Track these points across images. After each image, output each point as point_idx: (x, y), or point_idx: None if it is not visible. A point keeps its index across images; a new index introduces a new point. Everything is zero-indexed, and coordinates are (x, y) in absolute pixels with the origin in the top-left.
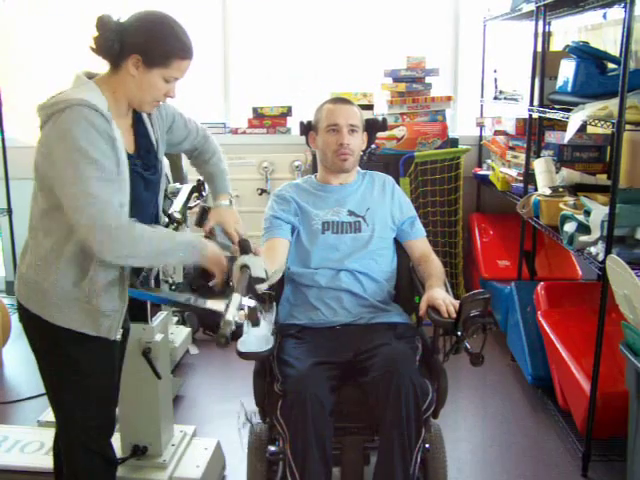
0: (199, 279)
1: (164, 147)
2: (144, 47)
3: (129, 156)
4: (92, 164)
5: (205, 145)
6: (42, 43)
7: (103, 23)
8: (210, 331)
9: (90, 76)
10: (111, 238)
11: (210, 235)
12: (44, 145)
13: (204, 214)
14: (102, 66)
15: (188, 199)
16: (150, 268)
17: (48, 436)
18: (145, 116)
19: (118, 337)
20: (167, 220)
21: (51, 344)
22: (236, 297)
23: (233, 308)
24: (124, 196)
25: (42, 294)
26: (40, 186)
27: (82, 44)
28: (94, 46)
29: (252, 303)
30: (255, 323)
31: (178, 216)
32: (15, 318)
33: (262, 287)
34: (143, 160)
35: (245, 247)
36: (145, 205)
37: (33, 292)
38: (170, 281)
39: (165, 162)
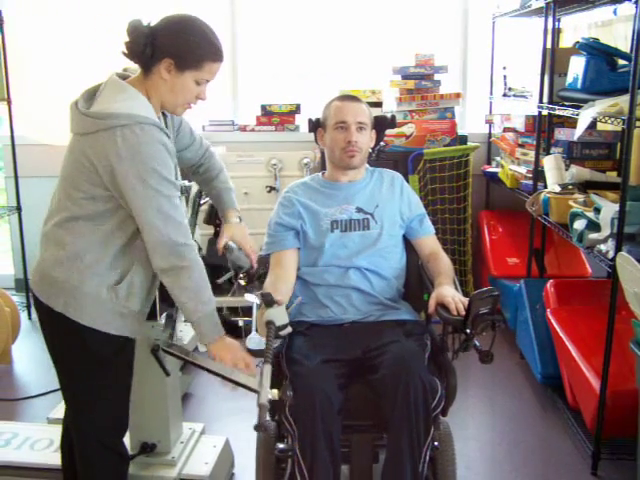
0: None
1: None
2: (177, 51)
3: None
4: (168, 183)
5: (211, 161)
6: (51, 41)
7: (134, 28)
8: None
9: (122, 77)
10: (178, 253)
11: (225, 251)
12: (104, 158)
13: (213, 212)
14: (107, 64)
15: (199, 197)
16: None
17: (58, 433)
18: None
19: (141, 336)
20: None
21: (74, 342)
22: (267, 370)
23: (266, 386)
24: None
25: (71, 294)
26: (84, 190)
27: (90, 42)
28: (126, 51)
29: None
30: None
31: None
32: (24, 316)
33: (287, 331)
34: None
35: (269, 301)
36: None
37: (59, 291)
38: None
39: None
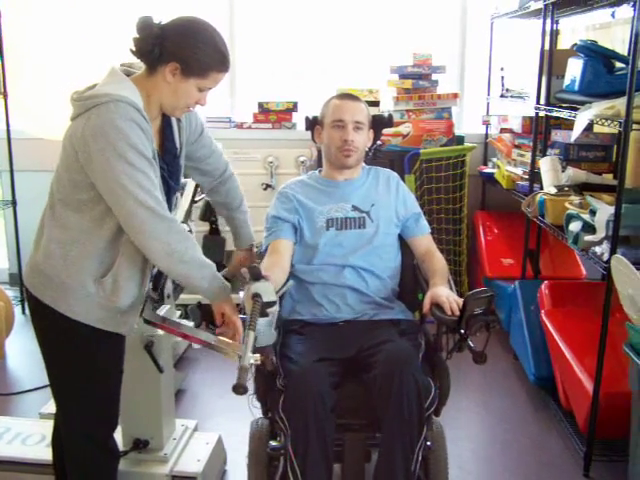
0: None
1: (184, 156)
2: (185, 57)
3: (159, 157)
4: (142, 158)
5: (232, 184)
6: (48, 34)
7: (145, 26)
8: (213, 325)
9: (127, 73)
10: (169, 229)
11: (240, 277)
12: (81, 138)
13: (208, 208)
14: (104, 58)
15: (194, 194)
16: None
17: (50, 428)
18: (174, 121)
19: (132, 332)
20: None
21: (64, 337)
22: (250, 336)
23: (249, 352)
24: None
25: (61, 288)
26: (69, 178)
27: (87, 36)
28: (134, 48)
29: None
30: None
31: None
32: (18, 310)
33: (274, 310)
34: (168, 165)
35: (256, 274)
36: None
37: (50, 285)
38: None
39: None
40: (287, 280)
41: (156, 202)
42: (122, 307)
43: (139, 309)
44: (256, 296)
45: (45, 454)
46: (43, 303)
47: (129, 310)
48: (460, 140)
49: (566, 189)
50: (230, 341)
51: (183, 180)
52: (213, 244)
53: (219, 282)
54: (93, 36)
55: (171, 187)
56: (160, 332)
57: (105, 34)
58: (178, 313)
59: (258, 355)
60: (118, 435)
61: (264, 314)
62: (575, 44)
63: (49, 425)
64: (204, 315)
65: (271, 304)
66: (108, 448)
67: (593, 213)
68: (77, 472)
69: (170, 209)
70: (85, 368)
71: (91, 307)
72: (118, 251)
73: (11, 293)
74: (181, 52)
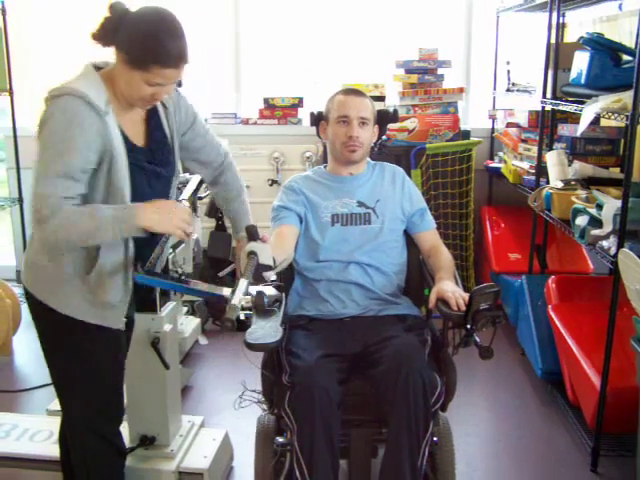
0: (209, 269)
1: (178, 143)
2: (127, 47)
3: (134, 149)
4: (59, 158)
5: (231, 173)
6: (54, 31)
7: (112, 10)
8: (219, 321)
9: (102, 66)
10: (46, 226)
11: (250, 257)
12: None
13: (214, 205)
14: (109, 55)
15: (197, 189)
16: (155, 257)
17: (57, 425)
18: (160, 109)
19: (121, 327)
20: None
21: (57, 331)
22: (242, 282)
23: (239, 293)
24: (95, 190)
25: (50, 282)
26: None
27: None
28: (95, 31)
29: (259, 289)
30: (260, 308)
31: (186, 204)
32: (25, 307)
33: (269, 274)
34: (154, 154)
35: (253, 234)
36: (148, 198)
37: (41, 279)
38: (180, 271)
39: None
40: (292, 287)
41: (51, 207)
42: (109, 301)
43: (127, 303)
44: (251, 254)
45: (53, 451)
46: (37, 299)
47: (117, 304)
48: (466, 135)
49: (573, 183)
50: (221, 287)
51: (187, 176)
52: (219, 240)
53: (115, 217)
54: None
55: (161, 174)
56: (166, 329)
57: None
58: (185, 309)
59: (249, 297)
60: (125, 431)
61: (259, 277)
62: (582, 37)
63: (56, 422)
64: (211, 311)
65: (266, 267)
66: (113, 444)
67: (600, 207)
68: (82, 468)
69: (167, 195)
70: (81, 363)
71: (79, 301)
72: (100, 246)
73: (18, 290)
74: (126, 42)
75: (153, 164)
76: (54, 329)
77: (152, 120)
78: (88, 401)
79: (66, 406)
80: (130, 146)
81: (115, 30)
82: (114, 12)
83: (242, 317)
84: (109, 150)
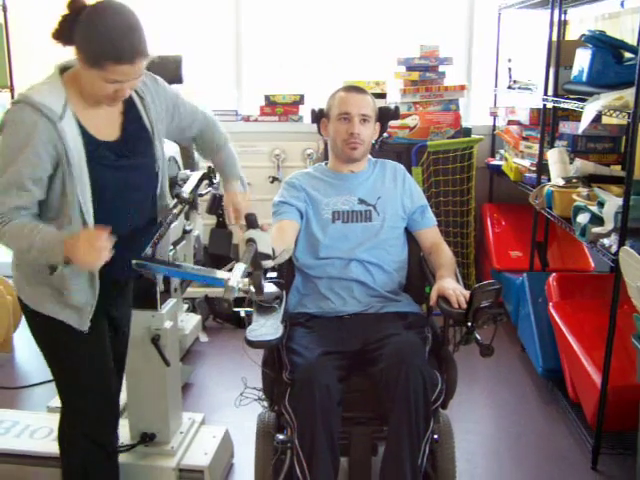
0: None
1: (164, 131)
2: (82, 45)
3: (99, 147)
4: (8, 168)
5: (214, 130)
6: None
7: (68, 7)
8: (220, 319)
9: (75, 65)
10: None
11: (248, 244)
12: None
13: (215, 201)
14: None
15: (198, 185)
16: (155, 244)
17: (57, 422)
18: (137, 101)
19: (85, 329)
20: (176, 201)
21: (39, 329)
22: (240, 266)
23: (236, 275)
24: (52, 195)
25: (27, 281)
26: None
27: None
28: (53, 30)
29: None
30: (259, 289)
31: (186, 196)
32: None
33: (268, 264)
34: (127, 146)
35: (251, 222)
36: (128, 193)
37: (21, 278)
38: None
39: (175, 149)
40: (293, 285)
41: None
42: (74, 303)
43: (94, 306)
44: (250, 241)
45: (53, 448)
46: (20, 297)
47: (82, 306)
48: (467, 132)
49: (574, 181)
50: (217, 271)
51: (188, 172)
52: (220, 237)
53: (42, 248)
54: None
55: (139, 166)
56: (167, 326)
57: None
58: (185, 307)
59: (246, 280)
60: (125, 428)
61: (258, 265)
62: (583, 34)
63: (56, 418)
64: (211, 308)
65: (265, 256)
66: (100, 447)
67: (601, 205)
68: (66, 469)
69: (151, 185)
70: (62, 360)
71: (50, 301)
72: None
73: None
74: (80, 41)
75: (126, 157)
76: (37, 327)
77: (129, 113)
78: (70, 400)
79: (61, 403)
80: (95, 145)
81: (72, 28)
82: (71, 10)
83: (242, 314)
84: (64, 156)
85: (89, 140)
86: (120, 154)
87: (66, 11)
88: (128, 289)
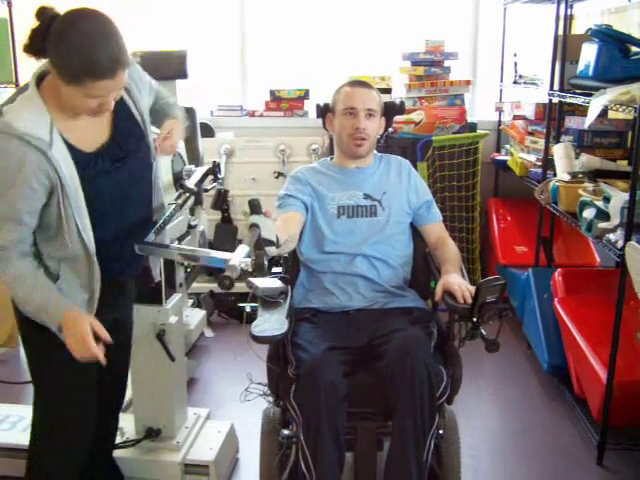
0: None
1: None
2: (55, 62)
3: (93, 157)
4: (3, 205)
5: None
6: None
7: (37, 16)
8: (225, 314)
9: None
10: None
11: (252, 229)
12: None
13: (220, 197)
14: None
15: (203, 179)
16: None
17: None
18: (125, 96)
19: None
20: (180, 191)
21: (28, 335)
22: (243, 247)
23: (239, 255)
24: (48, 217)
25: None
26: None
27: None
28: (25, 43)
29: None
30: (261, 268)
31: (191, 186)
32: None
33: (272, 250)
34: (120, 146)
35: (255, 207)
36: (124, 191)
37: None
38: (185, 263)
39: (180, 144)
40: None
41: None
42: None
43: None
44: (254, 226)
45: None
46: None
47: None
48: (473, 127)
49: (580, 176)
50: (219, 252)
51: (193, 167)
52: (225, 233)
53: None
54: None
55: (132, 161)
56: (172, 321)
57: (116, 24)
58: (190, 302)
59: (248, 260)
60: (130, 423)
61: (261, 247)
62: (590, 29)
63: None
64: (216, 303)
65: (269, 242)
66: (69, 459)
67: (607, 200)
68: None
69: (151, 179)
70: (43, 374)
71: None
72: (59, 272)
73: None
74: (53, 57)
75: (121, 159)
76: (26, 331)
77: (119, 110)
78: (42, 402)
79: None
80: (86, 159)
81: (44, 41)
82: (41, 20)
83: (248, 309)
84: (58, 183)
85: (80, 156)
86: (115, 158)
87: (35, 22)
88: (129, 289)
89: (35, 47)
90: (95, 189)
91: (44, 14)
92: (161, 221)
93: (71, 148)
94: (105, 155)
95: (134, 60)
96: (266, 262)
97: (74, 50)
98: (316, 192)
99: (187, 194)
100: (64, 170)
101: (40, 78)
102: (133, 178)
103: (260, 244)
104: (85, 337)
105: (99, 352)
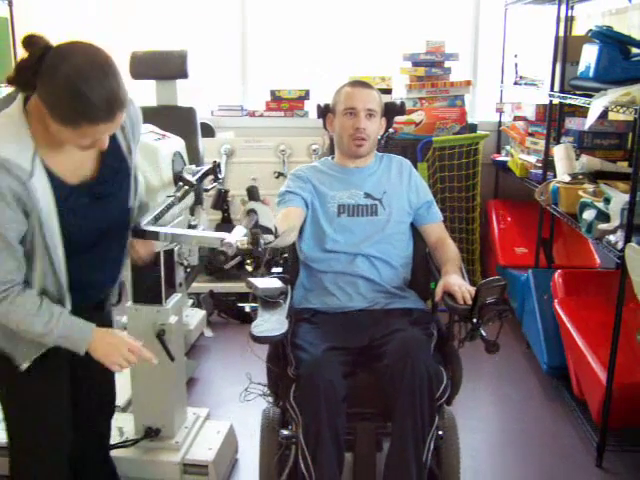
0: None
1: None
2: (49, 102)
3: (74, 191)
4: None
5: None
6: (60, 22)
7: (27, 47)
8: (225, 314)
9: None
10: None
11: (250, 214)
12: None
13: (220, 197)
14: (116, 49)
15: (202, 178)
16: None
17: None
18: (119, 133)
19: (24, 366)
20: (179, 184)
21: None
22: (239, 228)
23: (236, 234)
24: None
25: None
26: None
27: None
28: (10, 75)
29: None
30: (257, 244)
31: (190, 177)
32: None
33: (269, 238)
34: (103, 184)
35: (253, 194)
36: (98, 228)
37: None
38: (185, 263)
39: (181, 144)
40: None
41: None
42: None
43: (41, 346)
44: (251, 211)
45: None
46: None
47: (29, 343)
48: (473, 128)
49: (580, 177)
50: (215, 233)
51: (193, 167)
52: (225, 232)
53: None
54: (105, 25)
55: (112, 199)
56: (172, 321)
57: (117, 23)
58: (190, 302)
59: (245, 238)
60: (130, 423)
61: (256, 240)
62: (590, 30)
63: None
64: (216, 303)
65: (266, 230)
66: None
67: (607, 201)
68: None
69: (128, 218)
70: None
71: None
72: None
73: None
74: (46, 96)
75: (100, 198)
76: None
77: (110, 147)
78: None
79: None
80: (67, 192)
81: (34, 74)
82: (31, 52)
83: (247, 309)
84: (34, 213)
85: (60, 188)
86: (94, 196)
87: (24, 54)
88: (101, 314)
89: (23, 81)
90: (71, 222)
91: (34, 44)
92: (158, 211)
93: (53, 177)
94: (86, 190)
95: (131, 99)
96: (262, 240)
97: (69, 91)
98: (317, 190)
99: (186, 187)
100: (41, 200)
101: (27, 97)
102: (110, 217)
103: (257, 225)
104: (127, 341)
105: (143, 350)
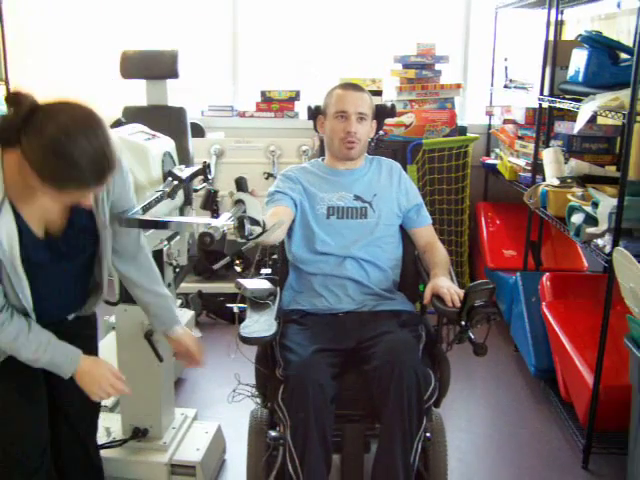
0: (204, 262)
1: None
2: (31, 160)
3: (38, 244)
4: None
5: (141, 260)
6: (51, 21)
7: (13, 103)
8: (213, 314)
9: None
10: None
11: (237, 204)
12: None
13: (209, 197)
14: (107, 48)
15: (192, 177)
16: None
17: None
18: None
19: None
20: (169, 179)
21: None
22: (225, 214)
23: (222, 219)
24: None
25: None
26: None
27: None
28: None
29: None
30: (242, 229)
31: (179, 173)
32: None
33: (257, 230)
34: (67, 243)
35: (241, 185)
36: (62, 278)
37: None
38: (174, 264)
39: (171, 144)
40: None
41: None
42: None
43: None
44: (239, 202)
45: None
46: None
47: None
48: (463, 131)
49: (569, 181)
50: (201, 218)
51: (183, 167)
52: None
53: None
54: (96, 24)
55: (77, 262)
56: None
57: (109, 23)
58: (179, 302)
59: (231, 223)
60: (117, 423)
61: (242, 224)
62: (580, 35)
63: None
64: (205, 304)
65: (254, 221)
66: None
67: (595, 205)
68: None
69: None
70: None
71: None
72: None
73: None
74: (31, 157)
75: (62, 257)
76: None
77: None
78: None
79: None
80: (32, 243)
81: (19, 132)
82: (17, 110)
83: (236, 310)
84: None
85: (27, 237)
86: (55, 254)
87: (10, 111)
88: (67, 329)
89: (7, 138)
90: (31, 273)
91: (19, 102)
92: (145, 203)
93: (21, 222)
94: (48, 246)
95: (120, 158)
96: (248, 226)
97: (57, 154)
98: (306, 191)
99: (175, 181)
100: (5, 245)
101: (6, 141)
102: (71, 274)
103: (244, 211)
104: (109, 376)
105: (124, 386)
